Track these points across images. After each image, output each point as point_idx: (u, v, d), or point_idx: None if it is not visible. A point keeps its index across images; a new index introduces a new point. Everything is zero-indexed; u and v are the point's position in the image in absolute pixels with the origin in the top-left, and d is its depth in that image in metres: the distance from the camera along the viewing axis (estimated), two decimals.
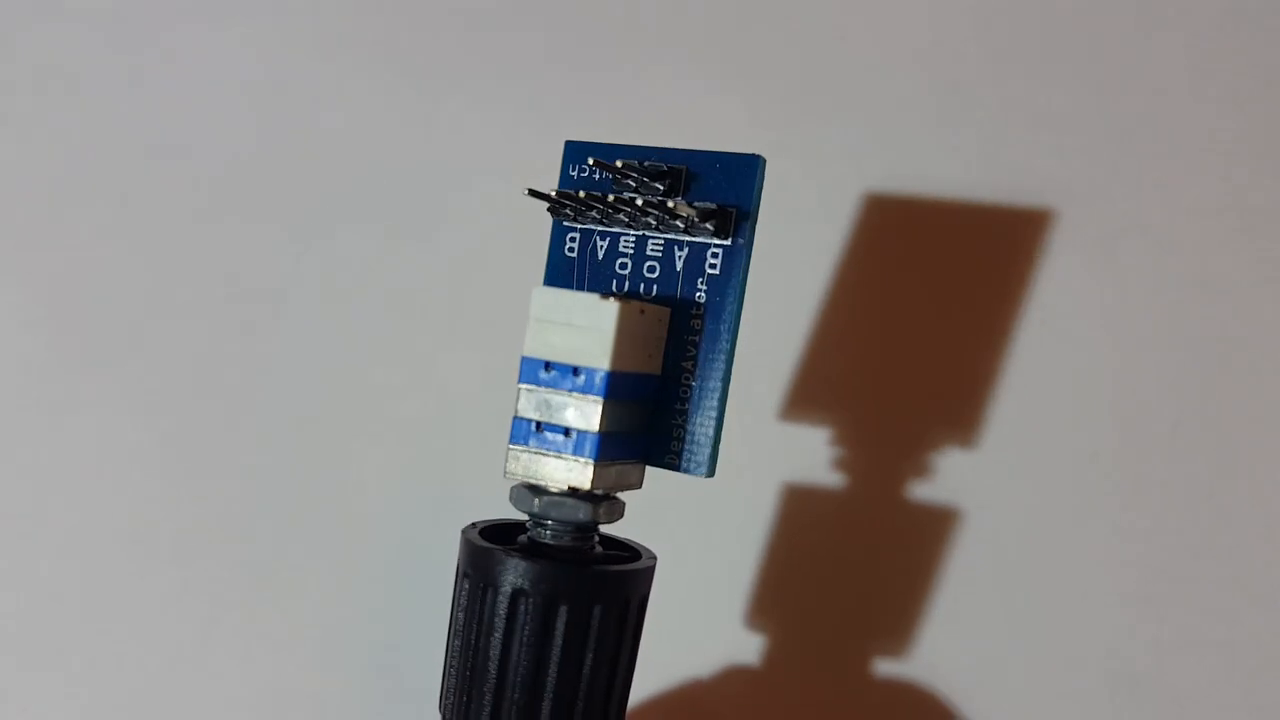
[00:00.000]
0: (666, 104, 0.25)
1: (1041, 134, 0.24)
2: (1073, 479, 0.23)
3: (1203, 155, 0.23)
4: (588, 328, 0.17)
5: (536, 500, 0.18)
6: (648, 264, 0.19)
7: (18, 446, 0.28)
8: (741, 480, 0.23)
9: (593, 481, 0.17)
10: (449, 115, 0.27)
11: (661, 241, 0.19)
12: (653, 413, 0.19)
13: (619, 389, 0.18)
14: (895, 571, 0.24)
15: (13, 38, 0.28)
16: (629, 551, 0.19)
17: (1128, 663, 0.23)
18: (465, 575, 0.18)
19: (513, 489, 0.18)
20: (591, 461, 0.17)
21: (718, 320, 0.19)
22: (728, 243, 0.19)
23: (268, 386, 0.27)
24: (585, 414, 0.17)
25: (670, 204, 0.17)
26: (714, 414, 0.19)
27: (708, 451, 0.19)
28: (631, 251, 0.19)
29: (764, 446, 0.24)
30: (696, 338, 0.19)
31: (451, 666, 0.18)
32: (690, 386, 0.19)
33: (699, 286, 0.19)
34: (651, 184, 0.19)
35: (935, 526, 0.23)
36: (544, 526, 0.18)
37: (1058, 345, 0.24)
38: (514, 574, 0.17)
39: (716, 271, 0.19)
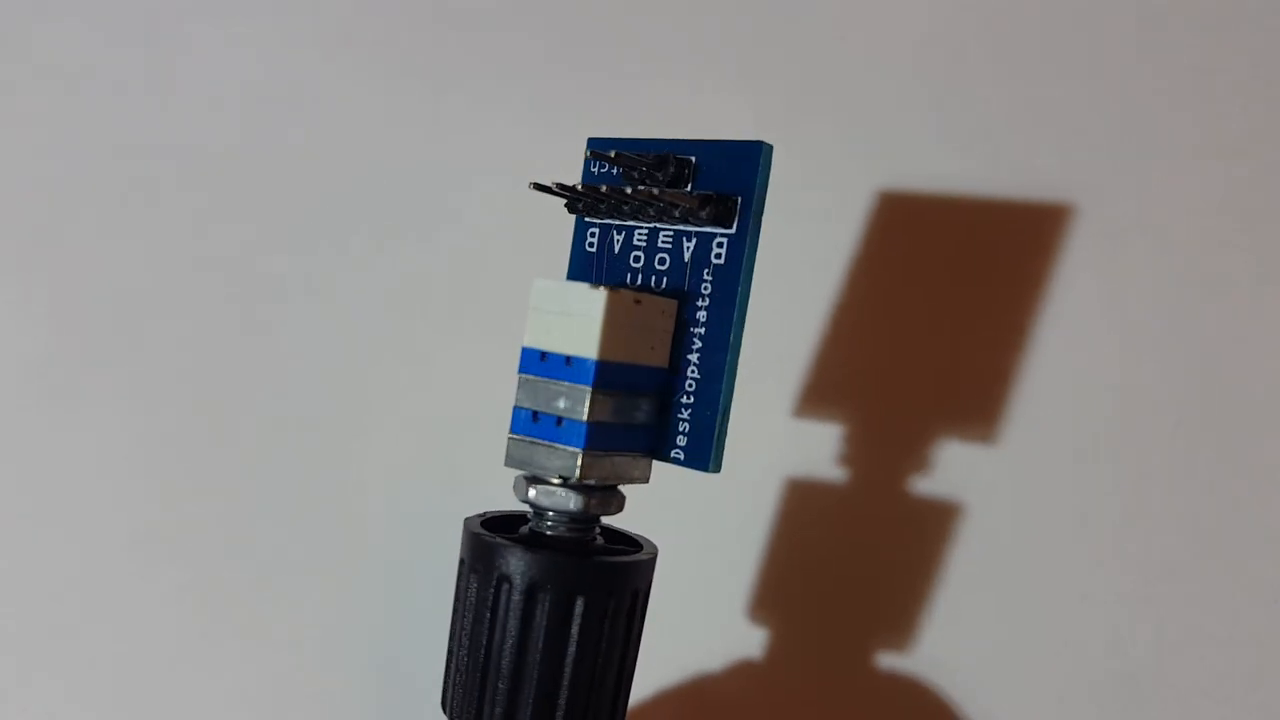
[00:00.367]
0: (671, 103, 0.25)
1: (1046, 133, 0.24)
2: (1075, 476, 0.23)
3: (1205, 153, 0.23)
4: (579, 317, 0.17)
5: (531, 489, 0.18)
6: (658, 256, 0.19)
7: (18, 446, 0.28)
8: (747, 475, 0.22)
9: (581, 471, 0.17)
10: (450, 114, 0.27)
11: (671, 233, 0.19)
12: (660, 406, 0.19)
13: (610, 379, 0.17)
14: (898, 567, 0.24)
15: (16, 37, 0.28)
16: (630, 543, 0.19)
17: (1129, 660, 0.23)
18: (464, 564, 0.18)
19: (516, 479, 0.18)
20: (580, 451, 0.17)
21: (722, 311, 0.18)
22: (731, 232, 0.18)
23: (269, 385, 0.27)
24: (575, 403, 0.17)
25: (655, 191, 0.17)
26: (718, 408, 0.18)
27: (711, 446, 0.18)
28: (644, 244, 0.19)
29: (770, 442, 0.23)
30: (701, 330, 0.18)
31: (452, 656, 0.19)
32: (695, 380, 0.18)
33: (705, 277, 0.18)
34: (657, 176, 0.19)
35: (939, 522, 0.23)
36: (543, 517, 0.18)
37: (1061, 343, 0.23)
38: (509, 563, 0.18)
39: (721, 261, 0.18)
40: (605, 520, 0.19)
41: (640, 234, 0.19)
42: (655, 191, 0.17)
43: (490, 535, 0.18)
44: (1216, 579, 0.22)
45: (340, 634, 0.26)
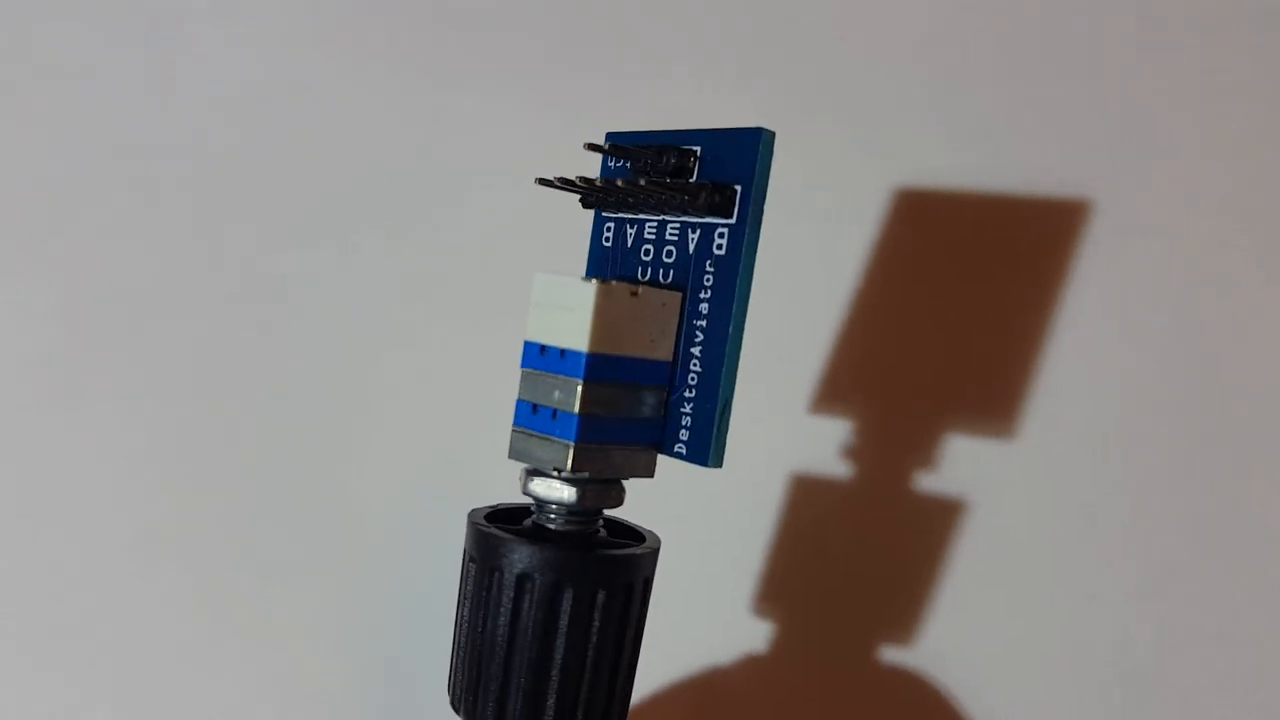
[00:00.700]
0: (674, 102, 0.24)
1: (1049, 132, 0.24)
2: (1081, 474, 0.23)
3: (1208, 153, 0.23)
4: (573, 310, 0.17)
5: (530, 481, 0.18)
6: (665, 249, 0.19)
7: (18, 446, 0.28)
8: (755, 470, 0.22)
9: (573, 463, 0.17)
10: (451, 113, 0.27)
11: (678, 225, 0.19)
12: (666, 400, 0.18)
13: (603, 371, 0.17)
14: (905, 564, 0.24)
15: (20, 35, 0.27)
16: (633, 535, 0.19)
17: (1134, 657, 0.23)
18: (467, 557, 0.19)
19: (521, 471, 0.19)
20: (571, 443, 0.17)
21: (723, 303, 0.18)
22: (731, 221, 0.18)
23: (270, 384, 0.27)
24: (567, 395, 0.17)
25: (642, 182, 0.17)
26: (718, 402, 0.18)
27: (711, 441, 0.18)
28: (654, 237, 0.19)
29: (778, 437, 0.23)
30: (703, 322, 0.18)
31: (456, 647, 0.19)
32: (697, 373, 0.18)
33: (706, 269, 0.18)
34: (660, 168, 0.18)
35: (945, 520, 0.23)
36: (545, 509, 0.18)
37: (1067, 341, 0.24)
38: (509, 556, 0.18)
39: (722, 252, 0.18)
40: (610, 513, 0.19)
41: (650, 227, 0.19)
42: (642, 183, 0.17)
43: (489, 527, 0.18)
44: (1223, 579, 0.22)
45: (341, 633, 0.26)
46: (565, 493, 0.18)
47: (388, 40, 0.27)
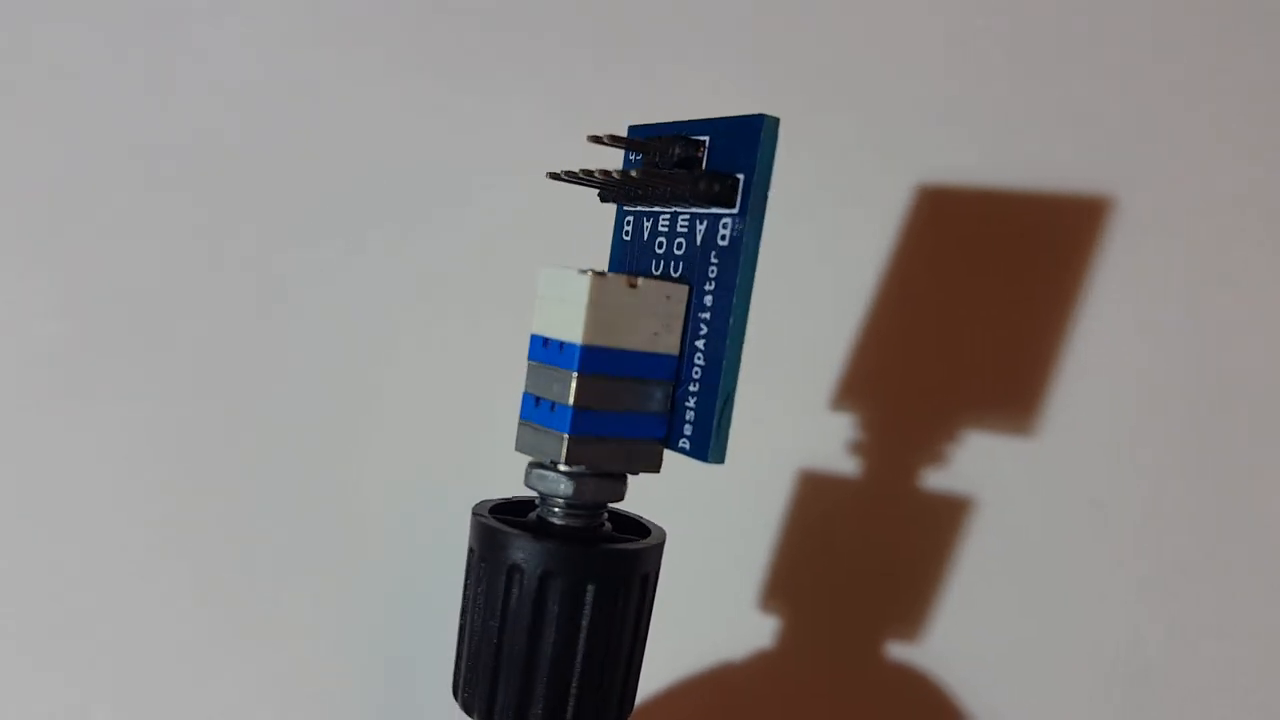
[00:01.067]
0: (686, 100, 0.24)
1: (1063, 130, 0.24)
2: (1092, 472, 0.23)
3: (1222, 151, 0.23)
4: (570, 303, 0.17)
5: (531, 474, 0.18)
6: (676, 241, 0.19)
7: (20, 446, 0.28)
8: (762, 466, 0.22)
9: (567, 455, 0.17)
10: (454, 112, 0.26)
11: (687, 217, 0.18)
12: (673, 394, 0.18)
13: (598, 364, 0.17)
14: (913, 561, 0.24)
15: (20, 36, 0.27)
16: (640, 530, 0.19)
17: (1145, 656, 0.23)
18: (469, 549, 0.19)
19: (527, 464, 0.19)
20: (565, 435, 0.17)
21: (725, 295, 0.17)
22: (734, 212, 0.17)
23: (271, 384, 0.27)
24: (563, 388, 0.17)
25: (634, 173, 0.17)
26: (718, 396, 0.17)
27: (711, 436, 0.17)
28: (666, 230, 0.19)
29: (786, 433, 0.22)
30: (707, 315, 0.18)
31: (460, 644, 0.19)
32: (700, 367, 0.18)
33: (711, 260, 0.18)
34: (669, 158, 0.18)
35: (954, 517, 0.23)
36: (548, 502, 0.18)
37: (1081, 339, 0.24)
38: (506, 549, 0.18)
39: (725, 243, 0.18)
40: (622, 507, 0.19)
41: (664, 220, 0.19)
42: (633, 174, 0.17)
43: (489, 519, 0.18)
44: (1234, 578, 0.22)
45: (341, 633, 0.26)
46: (562, 485, 0.18)
47: (388, 39, 0.27)
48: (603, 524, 0.18)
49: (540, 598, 0.18)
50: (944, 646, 0.24)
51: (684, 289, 0.18)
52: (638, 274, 0.19)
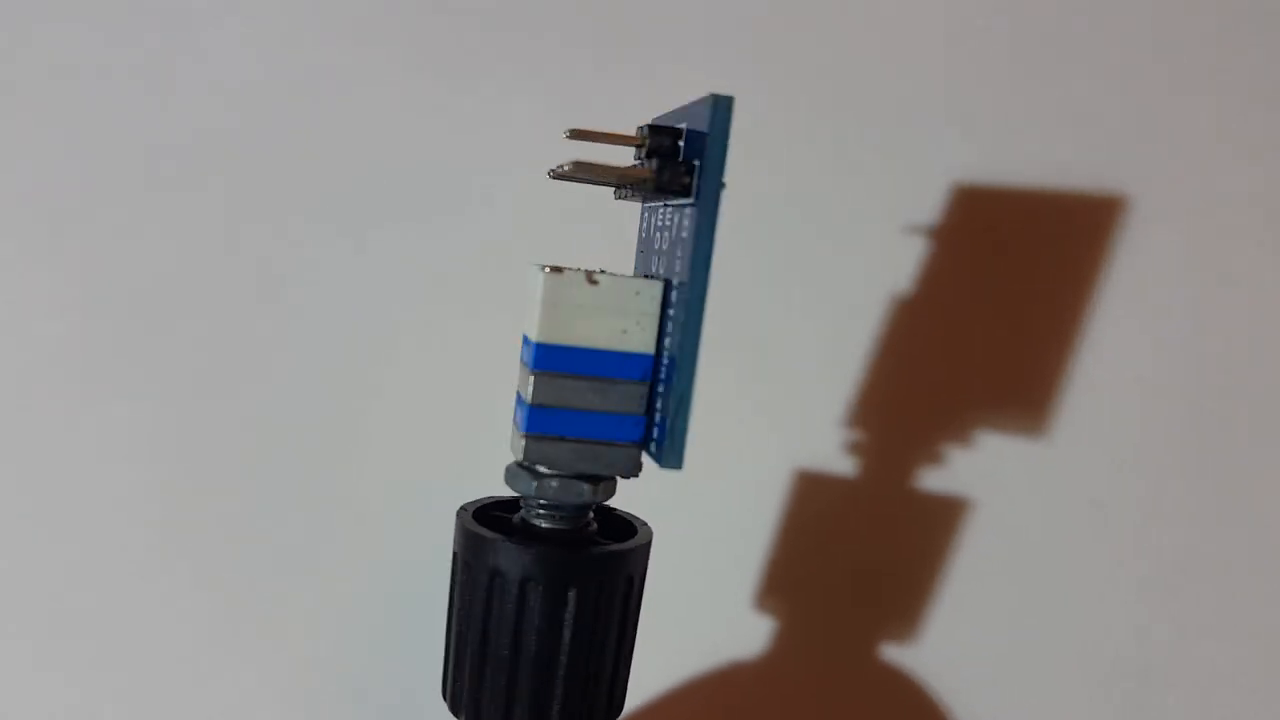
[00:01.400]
0: (684, 99, 0.22)
1: (1067, 130, 0.24)
2: (1093, 472, 0.23)
3: (1226, 150, 0.23)
4: (531, 299, 0.17)
5: (507, 473, 0.18)
6: (660, 235, 0.18)
7: (20, 446, 0.27)
8: (759, 466, 0.22)
9: (525, 455, 0.17)
10: (454, 111, 0.26)
11: (671, 210, 0.18)
12: (648, 394, 0.17)
13: (555, 361, 0.17)
14: (912, 561, 0.24)
15: (20, 36, 0.27)
16: (630, 531, 0.18)
17: (1145, 656, 0.23)
18: (454, 555, 0.19)
19: None
20: (525, 434, 0.17)
21: (683, 291, 0.16)
22: (692, 201, 0.16)
23: (272, 384, 0.27)
24: (525, 385, 0.17)
25: (583, 163, 0.16)
26: (677, 396, 0.16)
27: (665, 439, 0.16)
28: (660, 225, 0.18)
29: (783, 433, 0.22)
30: (673, 311, 0.17)
31: (447, 646, 0.19)
32: (665, 366, 0.17)
33: (677, 255, 0.17)
34: (653, 150, 0.18)
35: (953, 517, 0.23)
36: (528, 504, 0.18)
37: (1080, 339, 0.24)
38: (493, 555, 0.18)
39: (686, 235, 0.17)
40: (622, 508, 0.18)
41: (661, 215, 0.18)
42: (595, 163, 0.17)
43: (471, 523, 0.18)
44: (1235, 578, 0.22)
45: (341, 633, 0.26)
46: (533, 486, 0.18)
47: (388, 39, 0.27)
48: (589, 525, 0.18)
49: (522, 603, 0.18)
50: (945, 646, 0.23)
51: (657, 285, 0.17)
52: (643, 273, 0.19)
